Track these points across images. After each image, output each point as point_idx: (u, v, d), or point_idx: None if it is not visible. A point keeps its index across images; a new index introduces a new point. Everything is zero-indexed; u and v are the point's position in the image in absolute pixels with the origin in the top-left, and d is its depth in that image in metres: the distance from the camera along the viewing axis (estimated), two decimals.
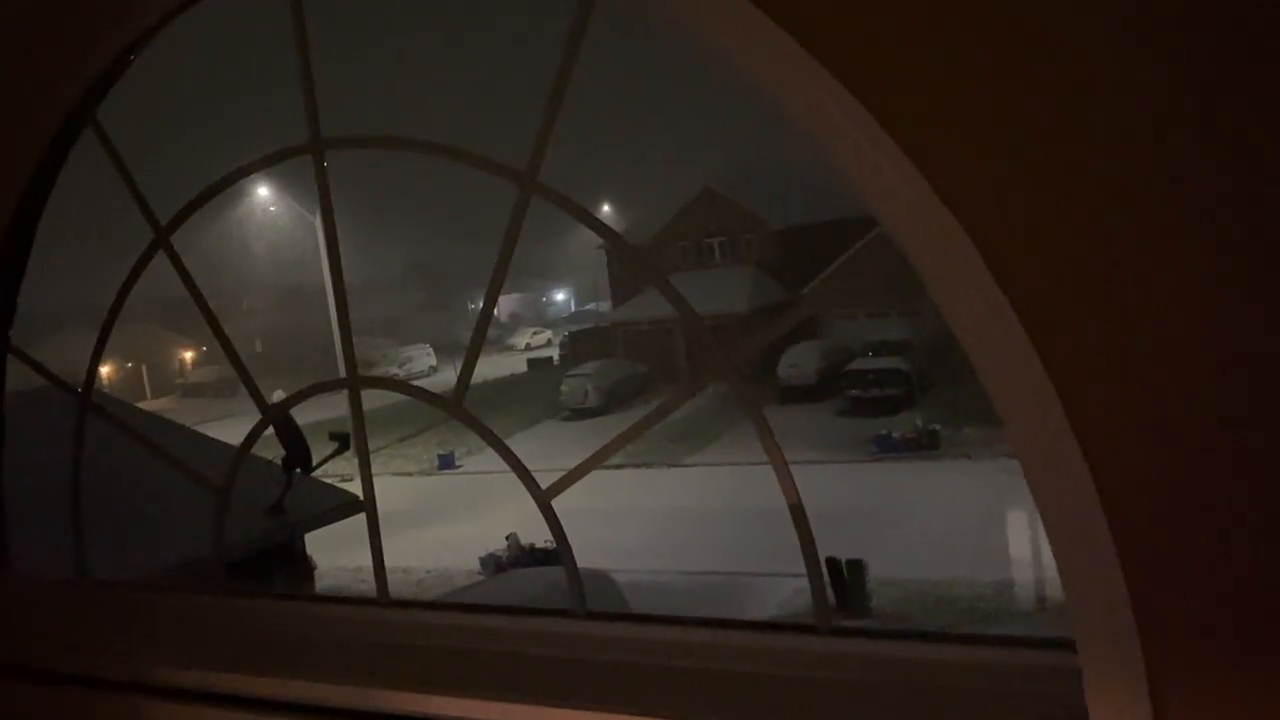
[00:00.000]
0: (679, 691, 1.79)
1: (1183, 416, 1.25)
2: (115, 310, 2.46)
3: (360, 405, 2.17)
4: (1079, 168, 1.27)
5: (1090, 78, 1.25)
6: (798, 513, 1.76)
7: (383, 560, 2.19)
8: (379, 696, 1.99)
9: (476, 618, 2.09)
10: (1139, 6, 1.21)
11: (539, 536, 19.21)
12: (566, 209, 1.93)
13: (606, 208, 42.48)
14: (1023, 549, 16.71)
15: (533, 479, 2.01)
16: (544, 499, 2.01)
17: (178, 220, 2.33)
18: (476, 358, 2.06)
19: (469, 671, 1.99)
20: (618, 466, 22.78)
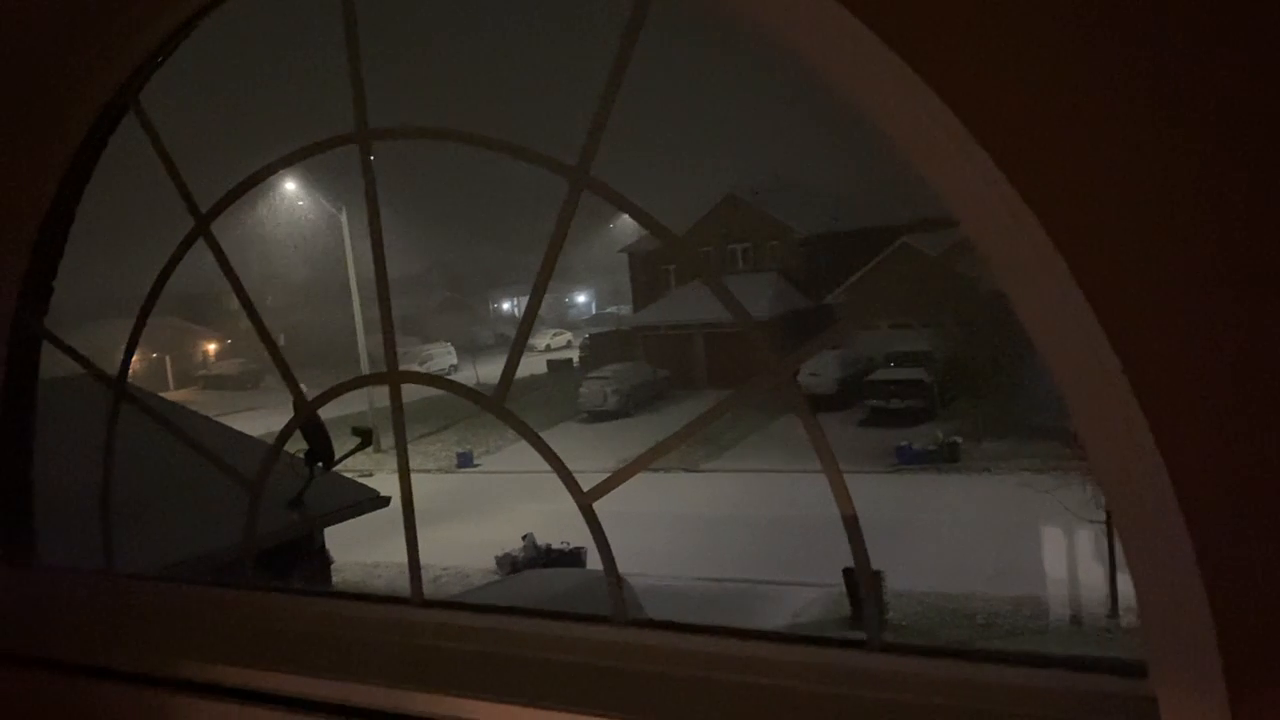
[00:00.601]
0: (722, 705, 1.74)
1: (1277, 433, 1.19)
2: (152, 298, 2.44)
3: (400, 400, 2.12)
4: (1169, 178, 1.21)
5: (1184, 92, 1.19)
6: (852, 526, 1.71)
7: (418, 560, 2.15)
8: (413, 699, 1.94)
9: (513, 621, 2.04)
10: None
11: (555, 537, 19.21)
12: (618, 204, 1.89)
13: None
14: (1042, 566, 16.56)
15: (574, 481, 1.96)
16: (585, 501, 1.96)
17: (219, 208, 2.30)
18: (520, 356, 2.02)
19: (505, 676, 1.94)
20: None
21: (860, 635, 1.72)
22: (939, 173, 1.33)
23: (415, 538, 2.15)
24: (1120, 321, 1.23)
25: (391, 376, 2.12)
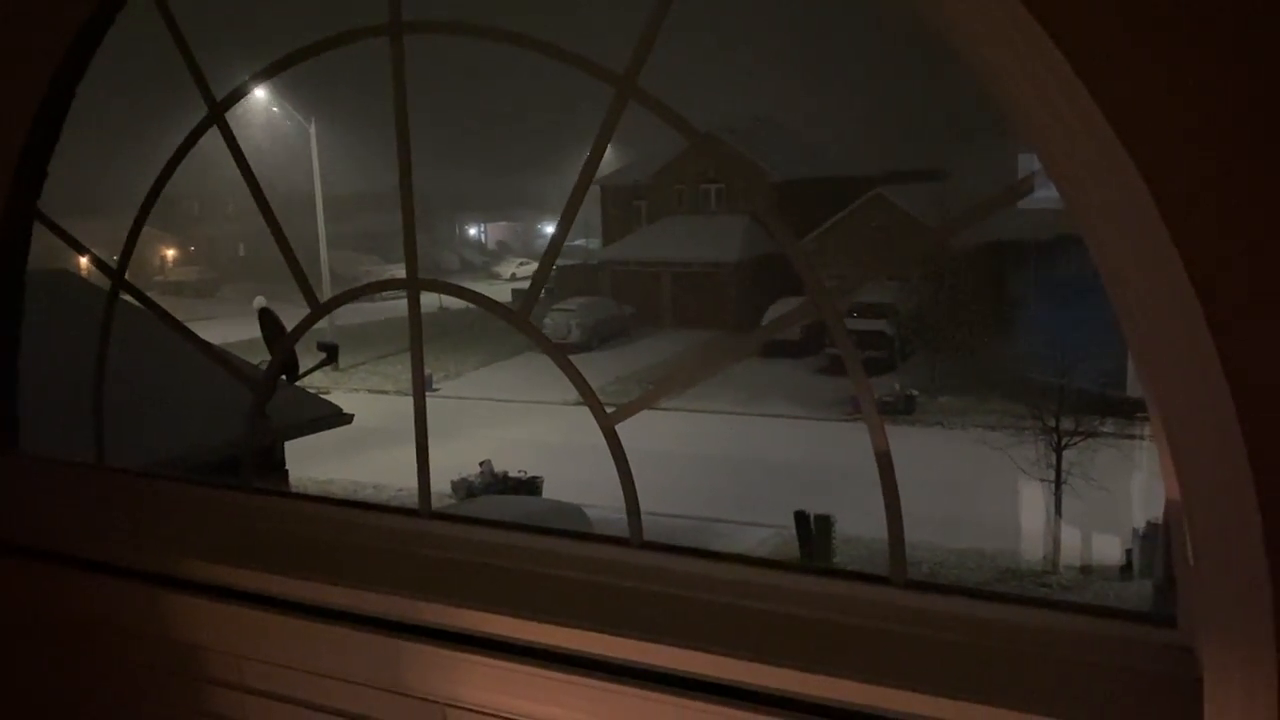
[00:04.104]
0: (739, 632, 1.73)
1: None
2: (159, 186, 2.33)
3: (419, 308, 2.06)
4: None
5: None
6: (885, 462, 1.70)
7: (428, 471, 2.11)
8: (420, 608, 1.92)
9: (523, 537, 2.02)
10: None
11: (511, 465, 19.23)
12: (663, 116, 1.83)
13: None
14: (989, 520, 16.92)
15: (599, 404, 1.93)
16: (608, 424, 1.93)
17: (234, 96, 2.20)
18: (550, 268, 1.96)
19: (515, 590, 1.92)
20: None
21: None
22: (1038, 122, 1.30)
23: (426, 449, 2.11)
24: (1210, 278, 1.21)
25: (411, 283, 2.06)
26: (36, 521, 2.43)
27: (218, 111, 2.18)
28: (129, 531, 2.29)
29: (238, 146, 2.24)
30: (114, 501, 2.40)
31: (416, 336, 2.09)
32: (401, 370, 28.43)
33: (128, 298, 2.56)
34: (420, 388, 2.11)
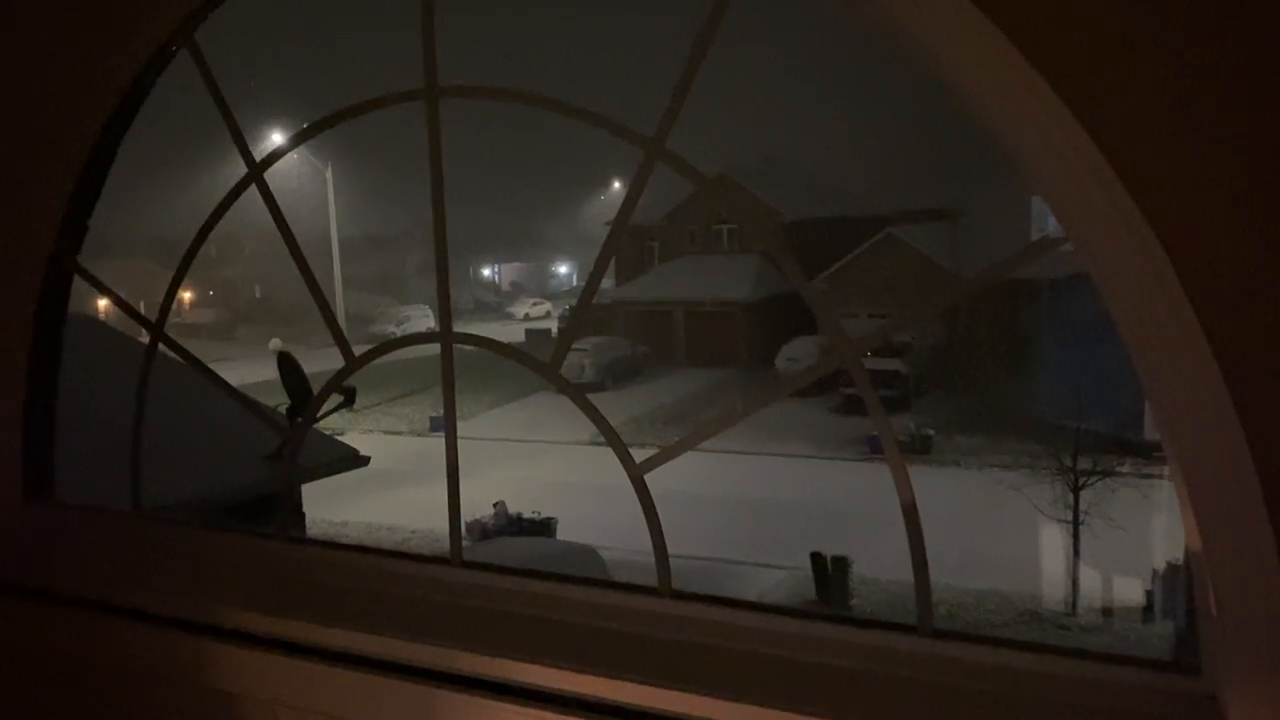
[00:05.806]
0: (767, 680, 1.76)
1: None
2: (200, 240, 2.41)
3: (451, 360, 2.12)
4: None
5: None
6: (910, 512, 1.73)
7: (459, 518, 2.15)
8: (454, 657, 1.95)
9: (554, 586, 2.05)
10: None
11: (525, 506, 19.21)
12: (689, 176, 1.89)
13: (617, 184, 42.32)
14: (1007, 561, 16.77)
15: (627, 452, 1.97)
16: (637, 473, 1.97)
17: (273, 156, 2.28)
18: (580, 322, 2.01)
19: (546, 639, 1.95)
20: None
21: None
22: (1052, 182, 1.34)
23: (458, 496, 2.15)
24: (1217, 314, 1.25)
25: (444, 336, 2.11)
26: (74, 570, 2.48)
27: (257, 172, 2.26)
28: (165, 579, 2.34)
29: (276, 205, 2.31)
30: (150, 550, 2.45)
31: (449, 385, 2.14)
32: (414, 411, 28.51)
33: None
34: (453, 438, 2.15)
